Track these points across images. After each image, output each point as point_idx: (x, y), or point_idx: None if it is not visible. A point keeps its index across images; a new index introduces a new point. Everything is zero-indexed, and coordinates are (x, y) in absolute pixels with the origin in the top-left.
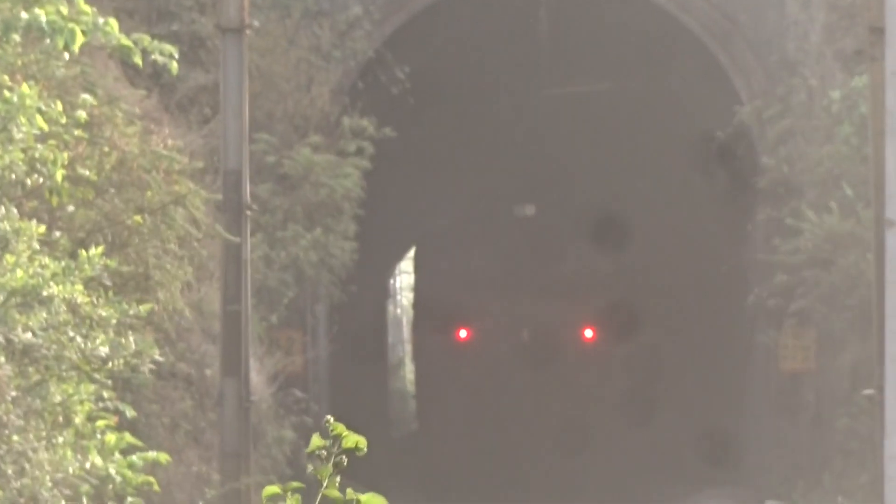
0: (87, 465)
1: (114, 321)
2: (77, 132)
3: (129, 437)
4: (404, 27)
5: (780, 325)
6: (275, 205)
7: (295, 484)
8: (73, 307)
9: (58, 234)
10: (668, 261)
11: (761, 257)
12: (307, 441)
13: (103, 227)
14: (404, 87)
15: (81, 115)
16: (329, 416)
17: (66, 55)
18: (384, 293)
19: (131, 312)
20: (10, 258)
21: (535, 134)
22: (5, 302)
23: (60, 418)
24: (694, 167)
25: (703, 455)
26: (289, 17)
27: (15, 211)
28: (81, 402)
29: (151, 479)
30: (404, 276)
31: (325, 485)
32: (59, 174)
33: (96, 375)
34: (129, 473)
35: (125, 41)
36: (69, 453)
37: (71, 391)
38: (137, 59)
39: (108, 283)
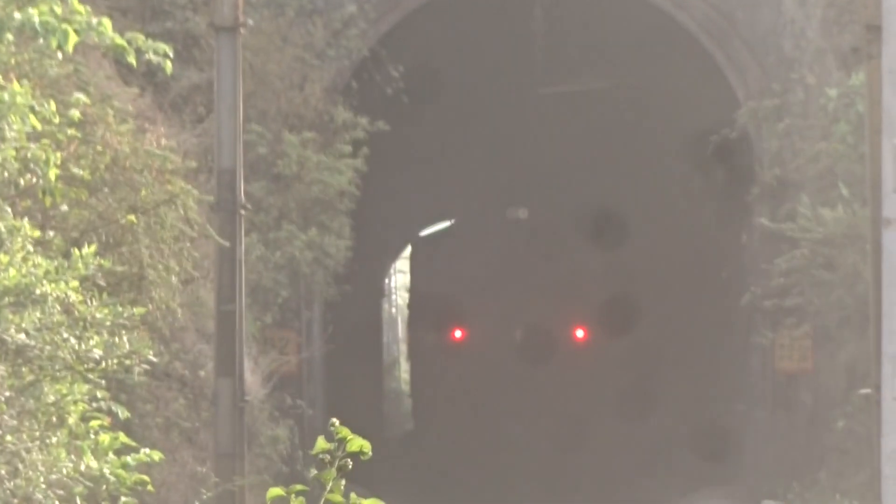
0: (81, 466)
1: (108, 322)
2: (70, 131)
3: (123, 438)
4: (399, 26)
5: (775, 325)
6: (269, 203)
7: (299, 487)
8: (67, 308)
9: (51, 233)
10: (663, 260)
11: (760, 266)
12: (301, 442)
13: (97, 227)
14: (399, 85)
15: (75, 113)
16: (334, 420)
17: (60, 54)
18: (379, 292)
19: (125, 315)
20: (3, 258)
21: (530, 132)
22: None
23: (54, 419)
24: (690, 166)
25: (700, 454)
26: (283, 16)
27: (9, 210)
28: (75, 403)
29: (146, 478)
30: (399, 276)
31: (328, 488)
32: (53, 173)
33: (90, 376)
34: (122, 474)
35: (119, 41)
36: (63, 454)
37: (65, 391)
38: (131, 59)
39: (102, 283)
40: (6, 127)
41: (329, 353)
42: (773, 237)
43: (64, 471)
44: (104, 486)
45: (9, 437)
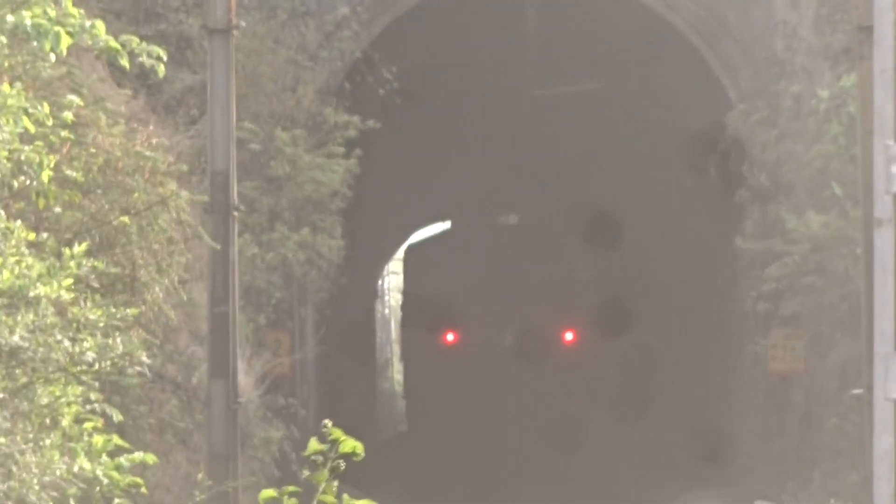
0: (75, 468)
1: (101, 323)
2: (64, 133)
3: (116, 440)
4: (391, 27)
5: (768, 331)
6: (262, 204)
7: (291, 488)
8: (60, 309)
9: (45, 235)
10: (656, 263)
11: (752, 272)
12: (295, 443)
13: (90, 229)
14: (391, 87)
15: (68, 115)
16: (326, 421)
17: (53, 56)
18: (372, 294)
19: (119, 315)
20: None
21: (522, 134)
22: None
23: (47, 420)
24: (682, 169)
25: (693, 456)
26: (275, 18)
27: (2, 212)
28: (69, 405)
29: (139, 480)
30: (392, 277)
31: (321, 489)
32: (46, 176)
33: (84, 377)
34: (116, 475)
35: (113, 43)
36: (56, 455)
37: (58, 393)
38: (124, 62)
39: (96, 284)
40: None
41: (322, 354)
42: (764, 239)
43: (58, 472)
44: (98, 488)
45: (2, 440)
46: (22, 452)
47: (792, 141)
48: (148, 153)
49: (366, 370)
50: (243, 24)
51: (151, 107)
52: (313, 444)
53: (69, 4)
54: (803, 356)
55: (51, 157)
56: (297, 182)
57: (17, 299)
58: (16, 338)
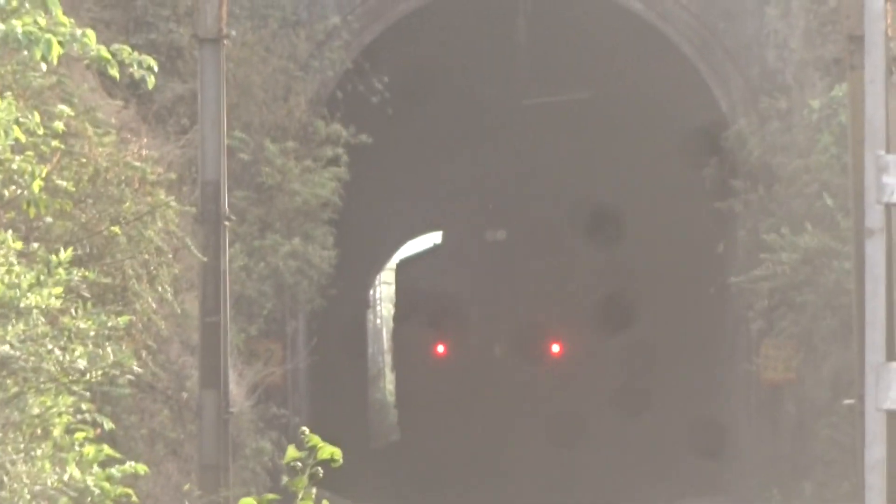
0: (66, 478)
1: (92, 333)
2: (54, 143)
3: (107, 450)
4: (383, 37)
5: (759, 348)
6: (252, 214)
7: (270, 496)
8: (51, 319)
9: (35, 245)
10: (648, 273)
11: (743, 283)
12: (285, 453)
13: (81, 238)
14: (383, 97)
15: (58, 125)
16: (304, 428)
17: (44, 66)
18: (364, 303)
19: (110, 324)
20: None
21: (514, 142)
22: None
23: (38, 430)
24: (674, 178)
25: (684, 464)
26: (266, 27)
27: None
28: (60, 415)
29: (130, 490)
30: (384, 287)
31: (300, 497)
32: (37, 185)
33: (74, 387)
34: (107, 486)
35: (104, 53)
36: (47, 465)
37: (49, 403)
38: (114, 72)
39: (87, 294)
40: None
41: (314, 364)
42: (756, 249)
43: (49, 482)
44: (89, 498)
45: None
46: (13, 462)
47: (783, 152)
48: (136, 163)
49: (358, 380)
50: (234, 33)
51: (142, 116)
52: (291, 452)
53: (59, 13)
54: (795, 365)
55: (42, 166)
56: (287, 192)
57: (7, 309)
58: (6, 347)
